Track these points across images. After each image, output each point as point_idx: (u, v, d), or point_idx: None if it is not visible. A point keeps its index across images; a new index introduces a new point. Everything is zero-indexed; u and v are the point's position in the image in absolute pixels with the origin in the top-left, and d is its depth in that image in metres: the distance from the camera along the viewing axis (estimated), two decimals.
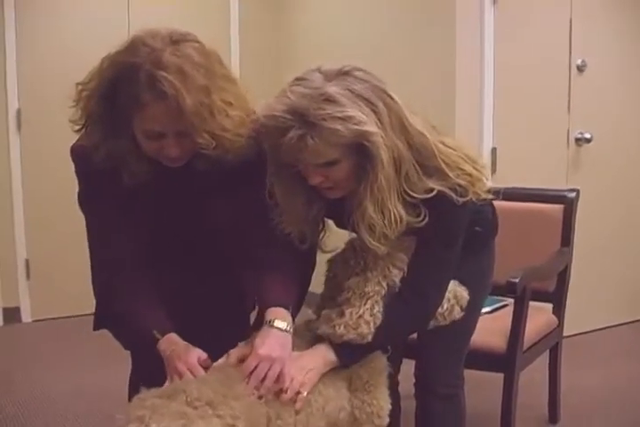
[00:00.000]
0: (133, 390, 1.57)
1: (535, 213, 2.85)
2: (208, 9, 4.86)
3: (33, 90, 4.42)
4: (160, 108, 1.55)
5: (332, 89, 1.59)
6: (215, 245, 1.90)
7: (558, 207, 2.83)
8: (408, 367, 2.32)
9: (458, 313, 1.90)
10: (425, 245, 1.79)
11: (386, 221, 1.68)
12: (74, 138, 1.76)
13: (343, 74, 1.63)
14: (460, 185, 1.73)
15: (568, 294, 2.90)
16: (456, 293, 1.89)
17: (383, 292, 1.74)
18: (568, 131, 4.00)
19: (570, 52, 3.94)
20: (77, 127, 1.69)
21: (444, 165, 1.72)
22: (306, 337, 1.78)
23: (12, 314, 4.54)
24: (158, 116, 1.57)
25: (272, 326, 1.66)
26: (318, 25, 4.69)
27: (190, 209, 1.83)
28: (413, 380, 2.16)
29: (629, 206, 4.31)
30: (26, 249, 4.56)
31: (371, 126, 1.59)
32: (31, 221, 4.54)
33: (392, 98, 1.67)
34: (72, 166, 1.80)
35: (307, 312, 1.92)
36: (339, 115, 1.57)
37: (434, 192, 1.71)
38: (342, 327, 1.70)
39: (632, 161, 4.28)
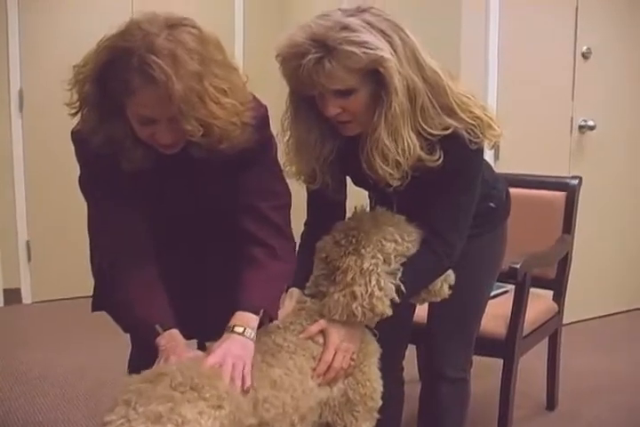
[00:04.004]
0: (133, 372, 1.56)
1: (537, 200, 2.85)
2: (212, 5, 4.80)
3: (35, 70, 4.39)
4: (150, 93, 1.53)
5: (350, 19, 1.66)
6: (215, 228, 1.91)
7: (560, 194, 2.83)
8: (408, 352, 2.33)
9: (446, 291, 1.93)
10: (441, 189, 1.83)
11: (399, 149, 1.72)
12: (75, 119, 1.74)
13: (361, 11, 1.70)
14: (472, 128, 1.77)
15: (568, 281, 2.90)
16: None
17: (380, 263, 1.77)
18: (572, 118, 3.99)
19: (575, 40, 3.92)
20: (74, 111, 1.67)
21: (455, 105, 1.76)
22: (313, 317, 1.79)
23: (13, 295, 4.55)
24: (148, 102, 1.55)
25: (232, 332, 1.66)
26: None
27: (190, 193, 1.83)
28: (415, 364, 2.15)
29: (632, 194, 4.30)
30: (27, 231, 4.56)
31: (385, 53, 1.65)
32: (32, 202, 4.53)
33: (407, 34, 1.72)
34: (73, 148, 1.80)
35: None
36: (355, 39, 1.63)
37: (450, 129, 1.75)
38: (360, 311, 1.73)
39: (635, 149, 4.27)
